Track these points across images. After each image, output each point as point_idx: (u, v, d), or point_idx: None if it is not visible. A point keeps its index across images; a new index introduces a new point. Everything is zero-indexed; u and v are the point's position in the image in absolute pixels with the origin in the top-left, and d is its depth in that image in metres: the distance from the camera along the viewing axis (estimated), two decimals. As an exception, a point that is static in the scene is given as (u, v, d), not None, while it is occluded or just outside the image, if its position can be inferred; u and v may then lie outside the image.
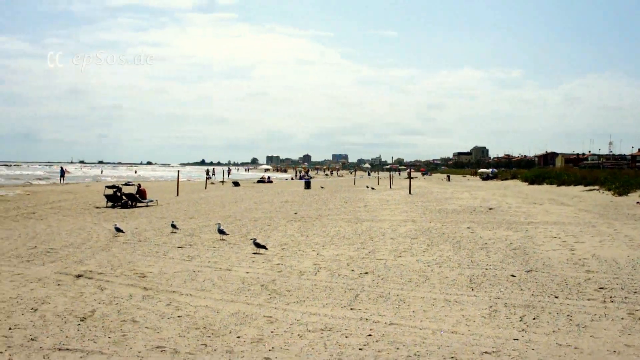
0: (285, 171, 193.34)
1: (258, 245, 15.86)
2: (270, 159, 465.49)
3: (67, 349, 7.95)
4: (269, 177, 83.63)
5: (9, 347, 8.05)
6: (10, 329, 8.82)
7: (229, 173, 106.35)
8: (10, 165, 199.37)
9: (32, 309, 9.92)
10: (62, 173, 72.71)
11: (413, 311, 9.73)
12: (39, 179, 78.87)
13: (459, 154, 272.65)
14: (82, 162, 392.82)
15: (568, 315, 9.44)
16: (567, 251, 15.41)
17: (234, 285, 11.68)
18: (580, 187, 45.38)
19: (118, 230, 19.44)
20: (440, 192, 46.13)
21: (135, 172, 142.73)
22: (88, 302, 10.33)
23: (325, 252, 15.75)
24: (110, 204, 32.40)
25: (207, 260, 14.59)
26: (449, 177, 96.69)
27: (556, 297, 10.59)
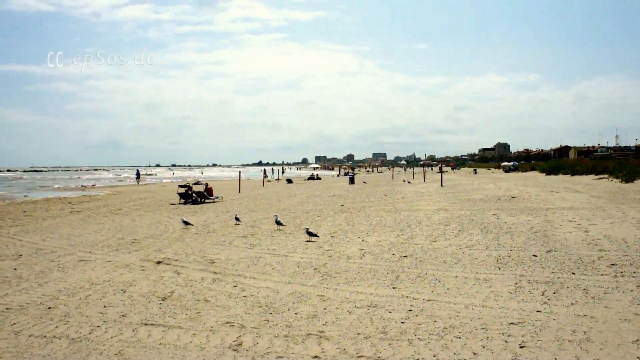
0: (332, 169, 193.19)
1: (310, 234, 15.88)
2: (318, 159, 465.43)
3: (152, 324, 8.14)
4: (317, 175, 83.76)
5: (104, 322, 8.29)
6: (105, 306, 9.08)
7: (282, 172, 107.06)
8: (99, 169, 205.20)
9: (121, 290, 10.18)
10: (138, 175, 73.81)
11: (447, 289, 9.64)
12: (120, 180, 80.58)
13: (484, 149, 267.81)
14: (158, 165, 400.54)
15: (584, 289, 9.23)
16: (581, 233, 15.04)
17: (290, 269, 11.75)
18: (592, 176, 44.17)
19: (186, 223, 19.65)
20: (468, 184, 45.47)
21: (202, 172, 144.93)
22: (167, 285, 10.53)
23: (369, 238, 15.69)
24: (182, 200, 32.89)
25: (266, 247, 14.68)
26: (475, 170, 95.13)
27: (573, 273, 10.36)
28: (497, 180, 52.42)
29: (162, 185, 62.00)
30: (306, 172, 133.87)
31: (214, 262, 12.67)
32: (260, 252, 13.88)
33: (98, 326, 8.09)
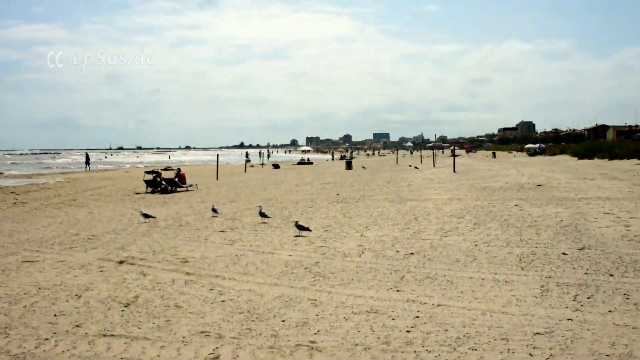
0: (326, 152, 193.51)
1: (300, 228, 15.91)
2: (310, 140, 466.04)
3: (112, 335, 8.08)
4: (308, 159, 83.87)
5: (54, 333, 8.22)
6: (55, 315, 9.01)
7: (268, 155, 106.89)
8: (52, 153, 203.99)
9: (76, 295, 10.12)
10: (87, 160, 72.00)
11: (461, 292, 9.64)
12: (64, 167, 78.55)
13: (504, 129, 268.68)
14: (120, 148, 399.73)
15: (625, 294, 9.23)
16: (621, 227, 15.08)
17: (277, 268, 11.74)
18: (634, 161, 44.36)
19: (146, 216, 19.69)
20: (486, 170, 45.60)
21: (169, 157, 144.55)
22: (131, 288, 10.49)
23: (369, 233, 15.73)
24: (150, 189, 32.86)
25: (249, 243, 14.70)
26: (494, 153, 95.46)
27: (611, 275, 10.38)
28: (519, 165, 52.59)
29: (125, 172, 61.89)
30: (296, 156, 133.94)
31: (186, 261, 12.65)
32: (242, 249, 13.88)
33: (47, 339, 8.02)
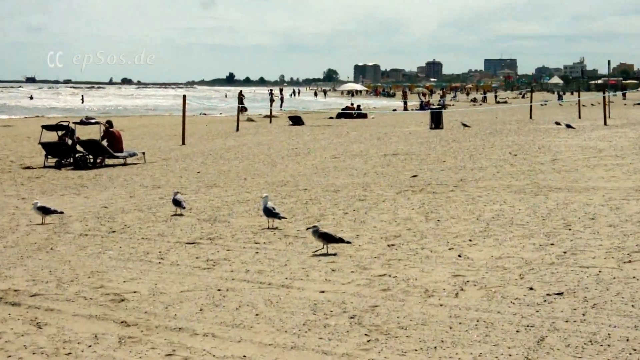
0: (390, 95, 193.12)
1: (327, 238, 15.92)
2: (361, 71, 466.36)
3: None
4: (359, 106, 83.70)
5: None
6: None
7: (282, 100, 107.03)
8: None
9: None
10: None
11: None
12: None
13: None
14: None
15: None
16: None
17: (296, 316, 11.64)
18: None
19: (45, 212, 19.88)
20: None
21: (82, 99, 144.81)
22: (13, 354, 10.44)
23: (474, 251, 15.69)
24: (52, 160, 32.98)
25: (243, 267, 14.74)
26: None
27: None
28: None
29: (3, 126, 62.35)
30: (335, 101, 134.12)
31: (122, 300, 12.69)
32: (229, 278, 13.97)
33: None
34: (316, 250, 15.87)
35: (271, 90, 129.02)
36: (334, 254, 15.57)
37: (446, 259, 15.08)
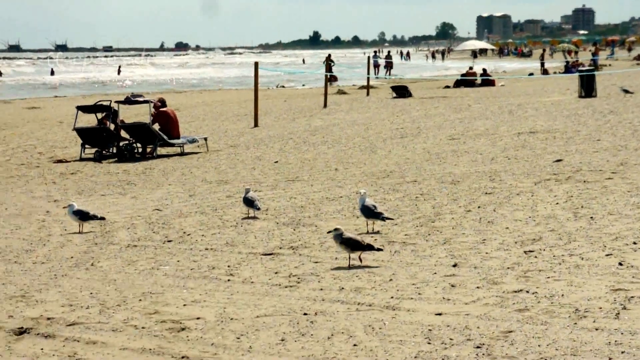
0: (527, 54, 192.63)
1: (354, 247, 15.81)
2: (486, 25, 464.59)
3: None
4: (484, 71, 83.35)
5: None
6: None
7: (388, 67, 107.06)
8: None
9: None
10: None
11: None
12: None
13: None
14: (15, 47, 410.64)
15: None
16: None
17: (406, 346, 11.54)
18: None
19: (83, 217, 19.92)
20: None
21: (119, 70, 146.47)
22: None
23: None
24: (90, 151, 33.23)
25: (336, 284, 14.64)
26: None
27: None
28: None
29: (29, 108, 62.99)
30: (451, 65, 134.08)
31: (183, 329, 12.63)
32: (318, 298, 13.84)
33: None
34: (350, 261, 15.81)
35: (376, 51, 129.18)
36: (376, 267, 15.53)
37: (603, 269, 14.79)
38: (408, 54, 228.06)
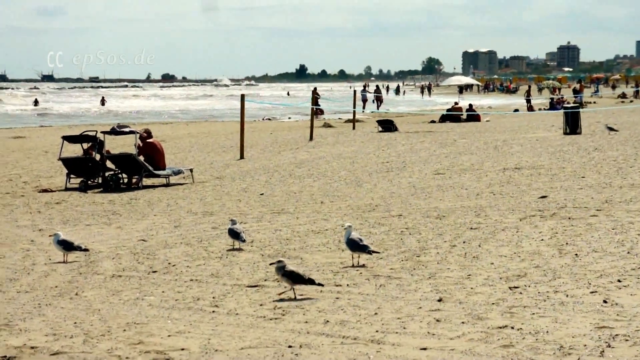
0: (514, 90, 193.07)
1: (295, 279, 15.84)
2: (471, 60, 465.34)
3: None
4: (470, 106, 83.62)
5: None
6: None
7: (379, 102, 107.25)
8: None
9: None
10: None
11: None
12: None
13: None
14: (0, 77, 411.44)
15: None
16: None
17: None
18: None
19: (67, 247, 19.87)
20: None
21: (103, 101, 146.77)
22: None
23: (624, 295, 15.49)
24: (76, 181, 33.19)
25: (321, 317, 14.63)
26: None
27: None
28: None
29: (14, 137, 62.98)
30: (436, 99, 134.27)
31: (166, 361, 12.60)
32: (303, 331, 13.84)
33: None
34: (282, 293, 15.93)
35: (366, 84, 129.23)
36: (361, 301, 15.43)
37: (587, 306, 14.82)
38: (398, 88, 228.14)
